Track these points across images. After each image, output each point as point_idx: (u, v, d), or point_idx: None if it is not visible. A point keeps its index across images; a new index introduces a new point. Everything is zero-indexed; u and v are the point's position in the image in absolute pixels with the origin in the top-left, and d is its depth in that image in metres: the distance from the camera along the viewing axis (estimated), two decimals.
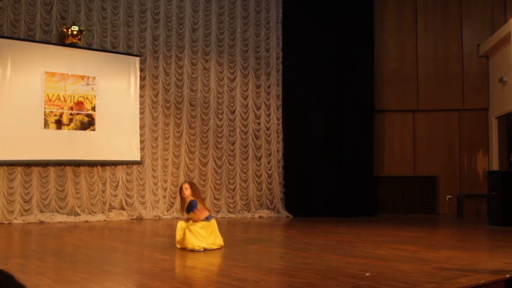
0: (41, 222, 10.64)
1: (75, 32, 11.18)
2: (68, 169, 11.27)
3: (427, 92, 13.43)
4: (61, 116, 11.19)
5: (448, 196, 13.21)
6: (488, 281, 4.57)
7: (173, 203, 12.32)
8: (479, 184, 12.95)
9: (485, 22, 13.22)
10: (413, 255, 6.14)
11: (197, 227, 6.66)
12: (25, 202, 10.77)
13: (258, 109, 13.22)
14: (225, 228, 10.52)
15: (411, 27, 13.62)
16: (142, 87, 12.17)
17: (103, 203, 11.56)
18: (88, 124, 11.49)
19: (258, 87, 13.25)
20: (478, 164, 13.28)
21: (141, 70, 12.15)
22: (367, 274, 4.88)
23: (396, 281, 4.53)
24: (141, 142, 12.09)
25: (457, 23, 13.45)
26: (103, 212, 11.49)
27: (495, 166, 12.63)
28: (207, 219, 6.83)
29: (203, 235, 6.66)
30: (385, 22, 13.69)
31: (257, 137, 13.14)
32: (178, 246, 6.83)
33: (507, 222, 9.90)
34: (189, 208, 6.80)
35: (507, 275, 4.78)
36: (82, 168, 11.41)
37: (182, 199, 6.89)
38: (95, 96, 11.59)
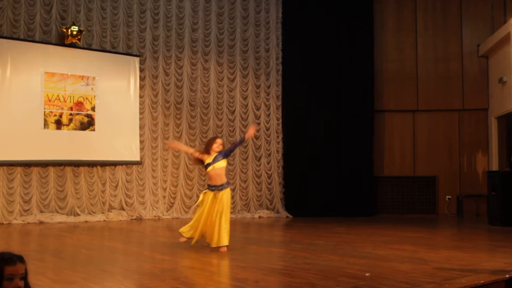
0: (41, 222, 10.63)
1: (74, 32, 11.17)
2: (68, 169, 11.26)
3: (427, 92, 13.42)
4: (60, 116, 11.18)
5: (448, 196, 13.20)
6: (488, 281, 4.56)
7: (172, 203, 12.31)
8: (479, 184, 12.94)
9: (485, 22, 13.22)
10: (413, 255, 6.14)
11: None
12: (24, 202, 10.76)
13: (258, 109, 13.21)
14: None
15: (411, 27, 13.62)
16: (141, 87, 12.16)
17: (103, 203, 11.55)
18: (88, 124, 11.48)
19: (257, 87, 13.25)
20: (478, 164, 13.27)
21: (141, 70, 12.14)
22: (367, 274, 4.88)
23: (396, 281, 4.53)
24: (141, 142, 12.08)
25: (457, 23, 13.45)
26: (102, 212, 11.47)
27: (494, 166, 12.62)
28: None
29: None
30: (384, 22, 13.69)
31: (256, 137, 13.13)
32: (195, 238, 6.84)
33: (507, 222, 9.91)
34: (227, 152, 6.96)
35: (507, 275, 4.78)
36: (81, 168, 11.40)
37: (207, 152, 6.86)
38: (94, 96, 11.58)
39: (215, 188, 6.77)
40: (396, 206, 13.35)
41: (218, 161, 6.80)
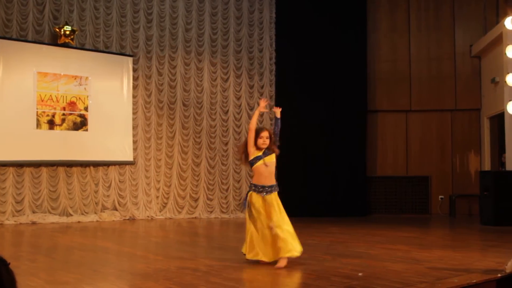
0: (33, 223, 10.59)
1: (67, 32, 11.14)
2: (61, 169, 11.22)
3: (420, 93, 13.47)
4: (53, 116, 11.14)
5: (440, 196, 13.25)
6: (480, 280, 4.59)
7: (166, 204, 12.29)
8: (471, 184, 12.99)
9: (477, 23, 13.28)
10: (405, 255, 6.16)
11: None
12: (17, 202, 10.71)
13: (251, 109, 13.21)
14: (219, 228, 10.53)
15: (404, 27, 13.66)
16: (135, 87, 12.14)
17: (96, 203, 11.52)
18: (81, 124, 11.45)
19: (251, 87, 13.25)
20: (470, 164, 13.33)
21: (134, 70, 12.12)
22: (360, 274, 4.89)
23: (389, 281, 4.54)
24: (134, 142, 12.06)
25: (450, 23, 13.50)
26: (95, 213, 11.44)
27: (487, 166, 12.68)
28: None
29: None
30: (378, 22, 13.72)
31: None
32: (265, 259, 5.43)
33: (499, 222, 9.95)
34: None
35: (499, 275, 4.80)
36: (74, 169, 11.37)
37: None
38: (87, 96, 11.55)
39: (264, 189, 5.60)
40: (389, 206, 13.39)
41: (268, 154, 5.60)
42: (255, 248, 5.49)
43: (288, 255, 5.34)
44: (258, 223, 5.51)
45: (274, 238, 5.40)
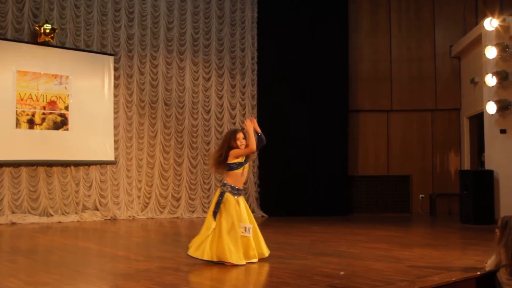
0: (13, 223, 10.45)
1: (47, 31, 11.02)
2: (41, 169, 11.10)
3: (401, 93, 13.57)
4: (33, 115, 11.02)
5: (421, 195, 13.36)
6: (459, 278, 4.65)
7: (147, 204, 12.23)
8: (451, 183, 13.13)
9: (457, 24, 13.41)
10: (386, 254, 6.21)
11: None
12: None
13: (233, 109, 13.21)
14: (201, 228, 10.49)
15: (385, 28, 13.75)
16: (116, 86, 12.05)
17: (77, 203, 11.42)
18: (61, 123, 11.34)
19: (233, 87, 13.24)
20: (451, 164, 13.47)
21: (115, 69, 12.03)
22: (341, 273, 4.92)
23: (370, 279, 4.58)
24: (115, 142, 11.97)
25: (430, 24, 13.62)
26: (76, 213, 11.34)
27: (466, 166, 12.82)
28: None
29: None
30: (359, 23, 13.79)
31: None
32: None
33: (478, 221, 10.07)
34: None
35: (478, 273, 4.87)
36: (55, 168, 11.25)
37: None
38: (68, 96, 11.44)
39: (239, 192, 5.85)
40: (370, 205, 13.48)
41: (248, 161, 5.90)
42: (206, 247, 5.54)
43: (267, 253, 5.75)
44: (230, 223, 5.60)
45: (244, 239, 5.55)
